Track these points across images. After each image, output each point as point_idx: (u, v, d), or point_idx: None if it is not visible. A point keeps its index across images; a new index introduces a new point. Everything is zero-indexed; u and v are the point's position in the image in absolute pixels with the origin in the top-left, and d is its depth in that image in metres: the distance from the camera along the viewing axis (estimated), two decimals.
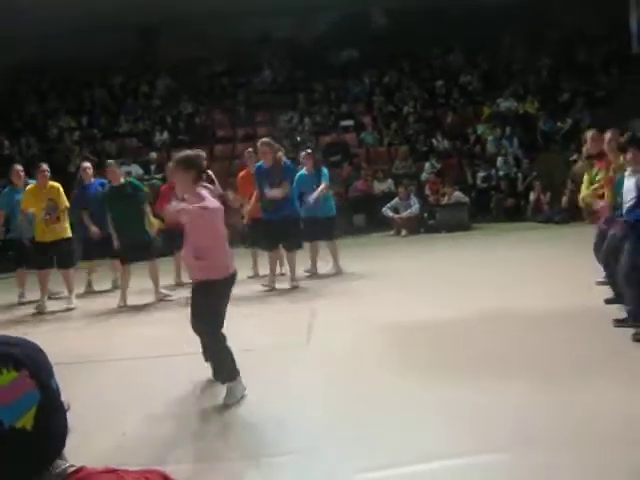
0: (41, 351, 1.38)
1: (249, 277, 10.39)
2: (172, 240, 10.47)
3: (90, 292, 10.59)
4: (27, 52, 19.45)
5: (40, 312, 9.32)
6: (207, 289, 5.14)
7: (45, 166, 9.63)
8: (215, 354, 5.37)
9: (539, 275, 8.96)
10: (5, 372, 1.26)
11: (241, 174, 10.70)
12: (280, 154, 9.39)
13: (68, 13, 18.05)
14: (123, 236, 9.24)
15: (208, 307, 5.16)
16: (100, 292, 10.48)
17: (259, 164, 9.43)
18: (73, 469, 1.32)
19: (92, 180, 10.57)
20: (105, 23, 18.87)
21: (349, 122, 19.24)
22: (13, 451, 1.25)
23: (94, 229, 10.17)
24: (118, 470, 1.34)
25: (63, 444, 1.34)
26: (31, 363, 1.30)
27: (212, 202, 5.12)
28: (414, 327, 6.90)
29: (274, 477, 4.08)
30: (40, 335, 7.07)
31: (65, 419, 1.36)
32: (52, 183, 9.60)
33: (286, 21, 21.26)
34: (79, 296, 10.09)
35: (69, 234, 9.70)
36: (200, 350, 5.55)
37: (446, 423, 4.42)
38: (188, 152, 5.44)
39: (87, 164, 11.02)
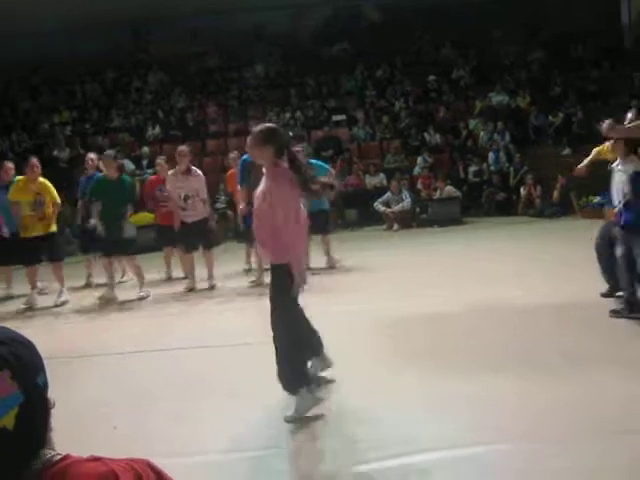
0: (31, 347, 1.38)
1: (245, 270, 10.50)
2: (163, 235, 10.52)
3: (89, 285, 10.56)
4: (19, 48, 19.37)
5: (30, 307, 9.29)
6: None
7: (35, 160, 9.54)
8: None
9: (532, 268, 8.99)
10: None
11: (229, 172, 10.88)
12: None
13: (60, 9, 18.02)
14: (106, 229, 9.23)
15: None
16: (99, 285, 10.37)
17: (245, 157, 9.35)
18: (58, 457, 1.33)
19: (95, 172, 10.50)
20: (97, 18, 18.83)
21: (341, 117, 19.23)
22: None
23: (92, 221, 10.11)
24: (103, 458, 1.34)
25: (45, 441, 1.34)
26: (16, 363, 1.29)
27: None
28: (408, 320, 6.92)
29: (272, 470, 4.08)
30: (31, 330, 7.06)
31: (48, 417, 1.36)
32: (41, 179, 9.54)
33: (279, 16, 21.23)
34: (79, 289, 10.10)
35: (55, 228, 9.67)
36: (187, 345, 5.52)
37: (442, 415, 4.43)
38: (266, 125, 5.13)
39: (92, 155, 10.96)
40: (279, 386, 4.87)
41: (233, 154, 10.99)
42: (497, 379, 4.98)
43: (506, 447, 3.95)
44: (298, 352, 4.95)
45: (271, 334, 4.85)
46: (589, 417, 4.20)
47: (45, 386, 1.36)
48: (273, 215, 4.73)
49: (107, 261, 9.42)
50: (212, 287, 9.61)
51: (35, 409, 1.31)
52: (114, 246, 9.21)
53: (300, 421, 4.64)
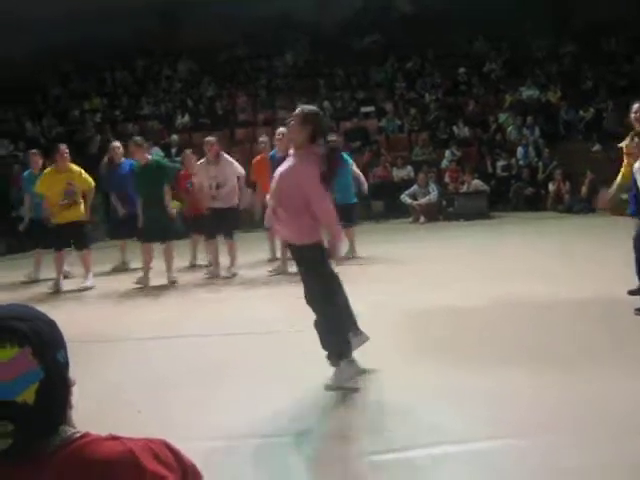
0: (53, 325, 1.42)
1: (269, 260, 10.54)
2: (190, 223, 10.58)
3: (124, 269, 10.68)
4: (50, 33, 19.54)
5: (56, 291, 9.42)
6: None
7: (64, 147, 9.58)
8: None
9: (556, 264, 8.92)
10: (8, 347, 1.30)
11: (256, 159, 10.67)
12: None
13: None
14: (145, 215, 9.29)
15: None
16: (135, 269, 10.45)
17: (272, 152, 9.45)
18: (78, 435, 1.37)
19: (122, 160, 10.59)
20: (129, 6, 18.96)
21: (370, 108, 19.18)
22: (15, 423, 1.29)
23: (122, 210, 10.24)
24: (121, 437, 1.38)
25: (65, 418, 1.38)
26: (37, 340, 1.33)
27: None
28: (430, 313, 6.93)
29: (287, 458, 4.12)
30: (55, 313, 7.16)
31: (69, 394, 1.40)
32: (73, 166, 9.60)
33: (309, 5, 21.21)
34: (105, 274, 10.28)
35: (84, 217, 9.70)
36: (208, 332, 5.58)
37: (458, 408, 4.44)
38: (309, 107, 5.18)
39: (117, 143, 11.03)
40: (294, 369, 4.95)
41: (263, 138, 10.86)
42: (514, 373, 4.98)
43: (521, 442, 3.96)
44: (340, 321, 5.03)
45: (297, 322, 4.92)
46: (604, 414, 4.19)
47: (66, 363, 1.40)
48: (297, 195, 4.76)
49: (147, 246, 9.42)
50: (234, 275, 9.67)
51: (55, 385, 1.35)
52: (154, 231, 9.25)
53: (340, 390, 4.84)
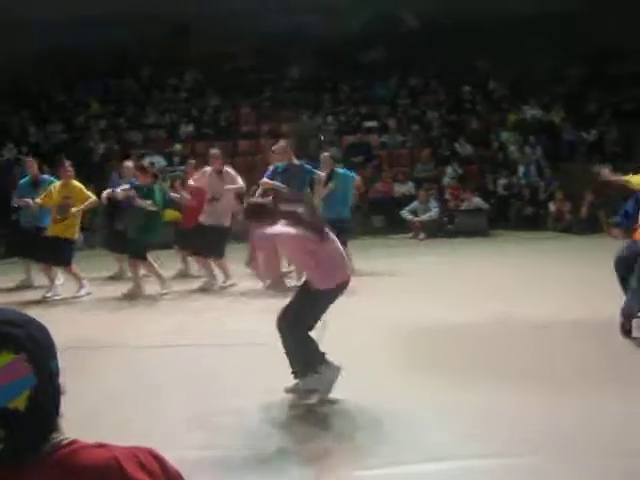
0: (46, 332, 1.43)
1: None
2: (180, 236, 10.52)
3: (120, 277, 10.69)
4: (55, 39, 19.60)
5: (52, 297, 9.42)
6: None
7: (68, 163, 9.63)
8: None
9: (553, 284, 8.94)
10: (4, 353, 1.30)
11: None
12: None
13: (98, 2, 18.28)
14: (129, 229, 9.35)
15: None
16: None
17: (276, 165, 9.50)
18: (66, 442, 1.38)
19: (131, 179, 10.62)
20: (136, 14, 19.06)
21: (373, 123, 19.24)
22: (6, 429, 1.31)
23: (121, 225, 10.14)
24: (108, 444, 1.40)
25: (55, 425, 1.40)
26: (32, 346, 1.33)
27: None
28: (426, 329, 6.94)
29: (279, 470, 4.14)
30: (50, 319, 7.16)
31: (59, 402, 1.42)
32: (75, 183, 9.57)
33: (316, 19, 21.28)
34: (101, 280, 10.27)
35: (72, 235, 9.57)
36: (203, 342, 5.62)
37: (447, 425, 4.47)
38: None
39: (129, 163, 11.07)
40: (288, 383, 4.97)
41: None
42: (504, 391, 5.01)
43: (510, 461, 3.98)
44: (307, 338, 5.10)
45: None
46: (594, 434, 4.21)
47: (57, 371, 1.42)
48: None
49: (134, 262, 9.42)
50: (231, 285, 9.66)
51: (47, 392, 1.36)
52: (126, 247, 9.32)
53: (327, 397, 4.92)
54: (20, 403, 1.31)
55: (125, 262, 10.74)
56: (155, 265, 9.51)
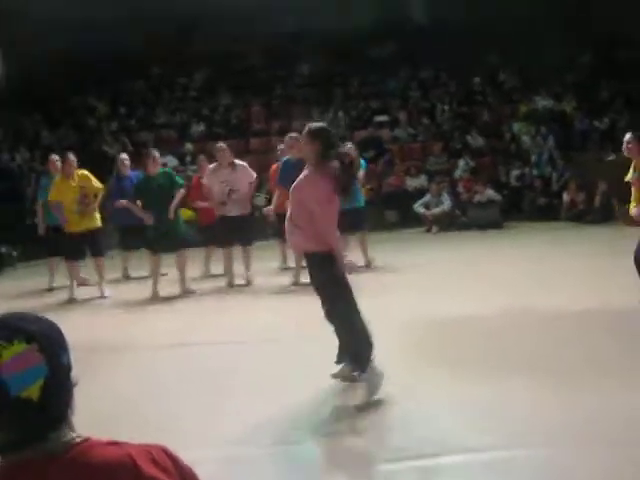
0: (56, 329, 1.48)
1: (281, 268, 10.62)
2: (204, 233, 10.60)
3: (126, 278, 10.78)
4: (67, 42, 19.66)
5: (70, 300, 9.50)
6: None
7: (71, 156, 9.63)
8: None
9: (566, 276, 8.90)
10: (16, 343, 1.36)
11: (273, 168, 10.63)
12: None
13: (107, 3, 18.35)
14: (154, 226, 9.27)
15: None
16: (137, 278, 10.66)
17: (286, 158, 9.48)
18: (79, 439, 1.42)
19: (129, 173, 10.69)
20: (145, 14, 19.09)
21: (384, 117, 19.22)
22: (19, 418, 1.35)
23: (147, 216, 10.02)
24: (121, 442, 1.43)
25: (66, 418, 1.43)
26: (43, 338, 1.39)
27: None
28: (439, 323, 6.95)
29: (298, 465, 4.17)
30: (68, 321, 7.22)
31: (71, 395, 1.46)
32: (81, 171, 9.65)
33: (326, 15, 21.24)
34: (115, 281, 10.34)
35: (99, 224, 9.79)
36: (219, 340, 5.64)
37: (459, 419, 4.48)
38: (316, 123, 5.44)
39: (124, 156, 11.13)
40: (304, 378, 4.98)
41: (281, 146, 10.66)
42: (516, 383, 5.01)
43: (522, 453, 3.99)
44: (364, 332, 5.07)
45: (305, 331, 4.98)
46: (604, 425, 4.21)
47: (69, 365, 1.46)
48: (304, 209, 4.93)
49: (155, 257, 9.41)
50: (248, 283, 9.71)
51: (59, 384, 1.41)
52: (164, 242, 9.22)
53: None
54: (33, 392, 1.35)
55: (129, 262, 10.85)
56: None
